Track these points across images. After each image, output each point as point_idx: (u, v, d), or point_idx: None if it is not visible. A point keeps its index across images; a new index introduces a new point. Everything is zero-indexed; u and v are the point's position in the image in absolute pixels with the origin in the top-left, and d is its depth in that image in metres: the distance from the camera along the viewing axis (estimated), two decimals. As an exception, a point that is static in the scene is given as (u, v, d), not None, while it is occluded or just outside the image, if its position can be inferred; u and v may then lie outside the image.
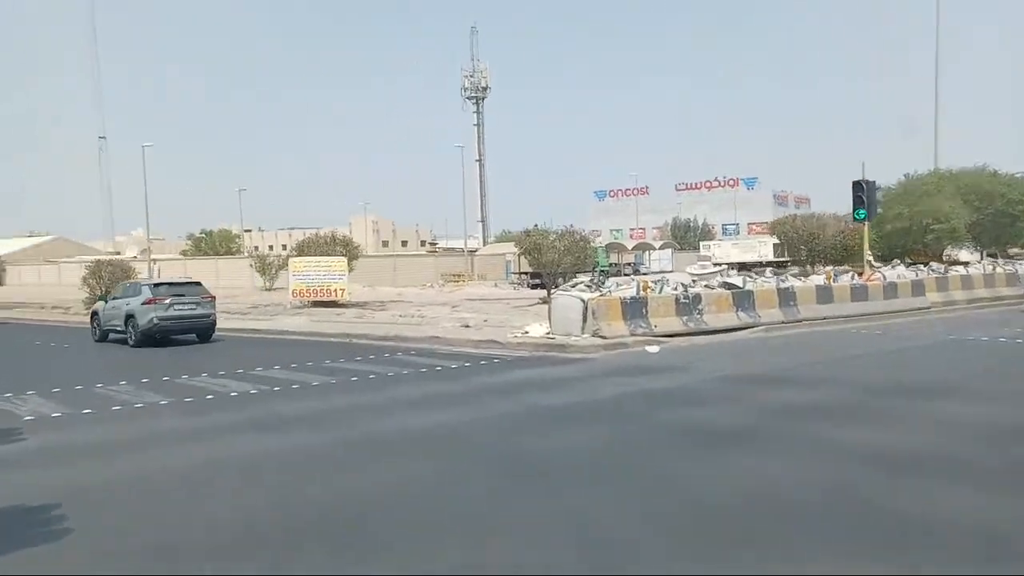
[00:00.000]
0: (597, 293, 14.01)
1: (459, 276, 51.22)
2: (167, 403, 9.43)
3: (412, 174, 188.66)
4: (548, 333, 14.18)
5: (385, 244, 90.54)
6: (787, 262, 46.79)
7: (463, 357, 13.14)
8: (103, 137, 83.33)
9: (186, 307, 17.00)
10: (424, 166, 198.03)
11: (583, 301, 13.64)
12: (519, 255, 55.93)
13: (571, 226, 24.34)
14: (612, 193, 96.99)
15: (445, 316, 20.30)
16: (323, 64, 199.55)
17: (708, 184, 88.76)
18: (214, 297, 18.36)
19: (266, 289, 44.98)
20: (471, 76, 70.69)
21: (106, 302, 18.71)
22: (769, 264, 47.46)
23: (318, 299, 25.19)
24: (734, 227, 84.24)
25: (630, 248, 60.77)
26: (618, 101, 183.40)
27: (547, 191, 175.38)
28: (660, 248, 64.70)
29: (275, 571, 4.18)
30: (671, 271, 60.70)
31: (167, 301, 16.71)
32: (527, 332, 14.70)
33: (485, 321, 17.99)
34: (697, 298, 14.77)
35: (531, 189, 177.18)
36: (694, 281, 20.27)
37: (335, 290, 25.19)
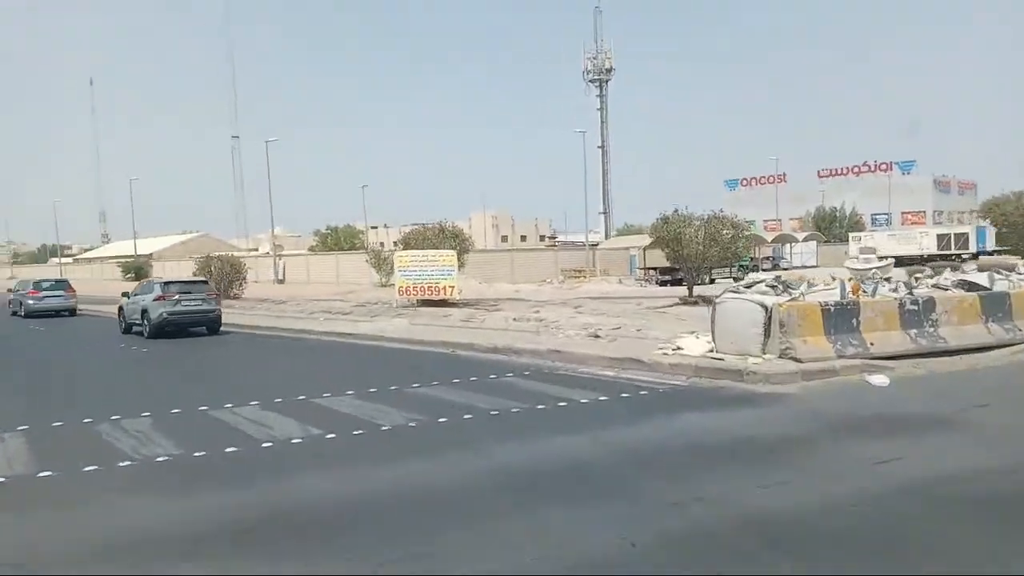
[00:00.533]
0: (785, 297, 9.80)
1: (579, 272, 47.41)
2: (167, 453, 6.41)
3: (532, 165, 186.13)
4: (711, 351, 10.16)
5: (504, 239, 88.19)
6: (956, 256, 39.58)
7: (595, 384, 9.41)
8: (236, 136, 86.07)
9: (192, 303, 18.33)
10: (544, 156, 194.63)
11: (765, 308, 9.51)
12: (643, 249, 51.47)
13: (720, 211, 19.89)
14: (744, 181, 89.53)
15: (567, 319, 16.64)
16: (444, 62, 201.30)
17: (856, 169, 79.73)
18: (218, 294, 20.41)
19: (382, 285, 43.21)
20: (594, 58, 66.33)
21: (129, 299, 20.03)
22: (932, 258, 40.37)
23: (425, 297, 22.24)
24: (885, 217, 74.98)
25: (769, 240, 54.48)
26: (747, 82, 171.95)
27: (672, 181, 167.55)
28: (804, 240, 57.85)
29: None
30: (814, 266, 53.94)
31: (175, 297, 18.08)
32: (679, 348, 10.74)
33: (617, 329, 14.14)
34: (930, 304, 10.19)
35: (654, 179, 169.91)
36: (884, 278, 15.35)
37: (443, 287, 22.14)
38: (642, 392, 8.77)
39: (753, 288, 10.16)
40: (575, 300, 25.59)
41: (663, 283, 36.19)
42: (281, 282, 55.25)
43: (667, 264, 38.47)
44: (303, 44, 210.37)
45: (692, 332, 11.93)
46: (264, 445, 6.75)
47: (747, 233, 22.22)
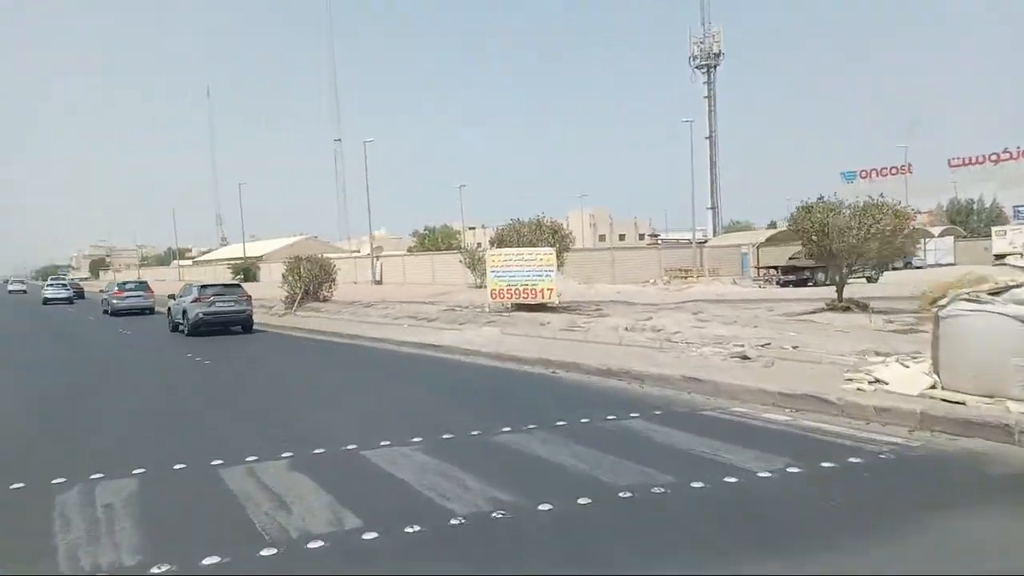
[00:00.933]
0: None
1: (686, 272, 43.50)
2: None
3: (632, 161, 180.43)
4: (935, 387, 6.86)
5: (602, 239, 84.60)
6: None
7: (767, 438, 6.34)
8: (339, 140, 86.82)
9: (225, 304, 19.65)
10: (645, 151, 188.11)
11: (1034, 327, 6.13)
12: (757, 247, 46.87)
13: (880, 196, 16.03)
14: (863, 173, 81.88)
15: (690, 329, 13.49)
16: (540, 55, 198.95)
17: (994, 157, 71.04)
18: (250, 296, 21.06)
19: (477, 286, 41.03)
20: (701, 42, 61.69)
21: (175, 300, 21.46)
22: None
23: (520, 301, 19.56)
24: (1029, 208, 66.17)
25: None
26: (862, 67, 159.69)
27: (779, 175, 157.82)
28: (940, 235, 51.32)
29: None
30: (950, 263, 47.46)
31: (210, 299, 19.47)
32: (879, 381, 7.46)
33: (766, 346, 10.88)
34: None
35: (759, 173, 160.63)
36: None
37: (541, 290, 19.38)
38: (852, 460, 5.60)
39: (1006, 296, 6.76)
40: (689, 304, 22.23)
41: (784, 284, 31.97)
42: (379, 283, 54.33)
43: (788, 262, 34.30)
44: (403, 45, 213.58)
45: (888, 355, 8.57)
46: (263, 553, 4.16)
47: (914, 225, 18.11)
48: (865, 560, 3.85)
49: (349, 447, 6.53)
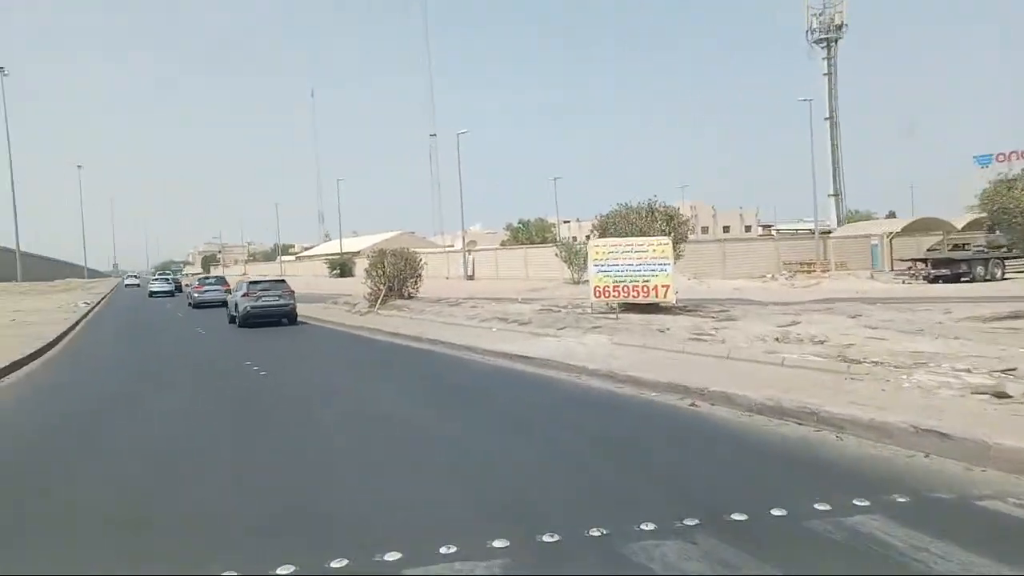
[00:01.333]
0: None
1: (809, 265, 38.85)
2: None
3: (732, 150, 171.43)
4: None
5: (704, 231, 79.57)
6: None
7: None
8: (434, 135, 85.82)
9: (271, 299, 21.19)
10: (745, 140, 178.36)
11: None
12: (889, 237, 41.44)
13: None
14: (1001, 157, 72.61)
15: (864, 340, 10.10)
16: (632, 39, 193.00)
17: None
18: (294, 291, 22.42)
19: (574, 282, 38.10)
20: (819, 14, 55.76)
21: (231, 295, 23.40)
22: None
23: (629, 300, 16.51)
24: None
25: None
26: (988, 41, 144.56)
27: (902, 159, 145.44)
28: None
29: None
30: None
31: (257, 295, 21.09)
32: None
33: (1010, 372, 7.42)
34: None
35: (873, 158, 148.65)
36: None
37: (654, 287, 16.25)
38: None
39: None
40: (828, 303, 18.49)
41: (935, 279, 27.15)
42: (471, 278, 52.42)
43: (927, 254, 29.28)
44: (497, 33, 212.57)
45: None
46: None
47: None
48: None
49: (387, 557, 3.84)
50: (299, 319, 24.10)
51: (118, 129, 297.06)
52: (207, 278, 36.00)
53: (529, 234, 75.57)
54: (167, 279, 53.64)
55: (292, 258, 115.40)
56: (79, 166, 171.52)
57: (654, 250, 16.36)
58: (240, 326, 20.85)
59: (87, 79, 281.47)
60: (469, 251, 55.60)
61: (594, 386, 8.97)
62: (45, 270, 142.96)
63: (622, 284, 16.58)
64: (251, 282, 22.45)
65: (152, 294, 47.04)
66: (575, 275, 37.94)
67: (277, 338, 18.39)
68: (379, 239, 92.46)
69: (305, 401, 9.22)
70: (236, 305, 21.64)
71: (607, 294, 16.85)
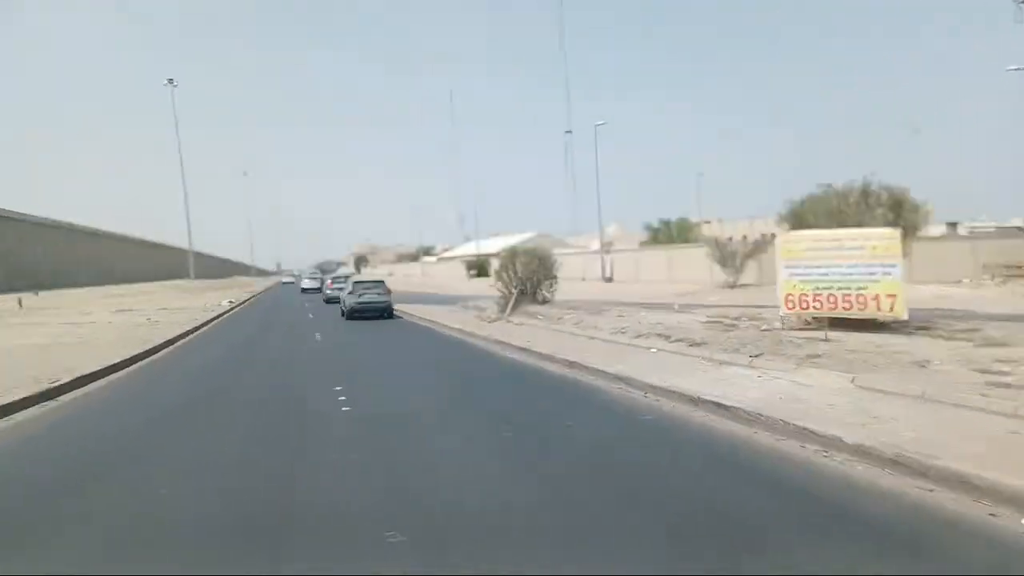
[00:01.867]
0: None
1: (1020, 267, 31.26)
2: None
3: (894, 144, 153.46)
4: None
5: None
6: None
7: None
8: (569, 132, 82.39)
9: (371, 296, 24.09)
10: (940, 118, 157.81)
11: None
12: None
13: None
14: None
15: None
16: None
17: None
18: (391, 291, 25.38)
19: (729, 286, 33.12)
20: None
21: (343, 293, 26.37)
22: None
23: (839, 313, 12.00)
24: None
25: None
26: None
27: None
28: None
29: None
30: None
31: (360, 292, 24.20)
32: None
33: None
34: None
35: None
36: None
37: (875, 297, 11.65)
38: None
39: None
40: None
41: None
42: (609, 280, 48.41)
43: None
44: (637, 30, 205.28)
45: None
46: None
47: None
48: None
49: None
50: (423, 324, 21.49)
51: (282, 133, 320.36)
52: (337, 277, 40.12)
53: (670, 234, 70.19)
54: (316, 277, 58.13)
55: (434, 259, 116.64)
56: (245, 172, 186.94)
57: (875, 247, 11.73)
58: (347, 319, 23.36)
59: (248, 90, 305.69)
60: (607, 251, 51.55)
61: (864, 481, 4.89)
62: (218, 269, 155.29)
63: (827, 292, 12.09)
64: (356, 282, 25.87)
65: (303, 290, 52.17)
66: (730, 278, 32.92)
67: (386, 348, 15.68)
68: (515, 240, 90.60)
69: (362, 474, 5.87)
70: (344, 301, 24.97)
71: (804, 305, 12.41)
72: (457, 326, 19.29)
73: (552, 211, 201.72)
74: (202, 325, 23.43)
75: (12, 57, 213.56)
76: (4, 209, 68.68)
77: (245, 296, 47.42)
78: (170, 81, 76.22)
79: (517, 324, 18.33)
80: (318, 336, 18.63)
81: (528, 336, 15.17)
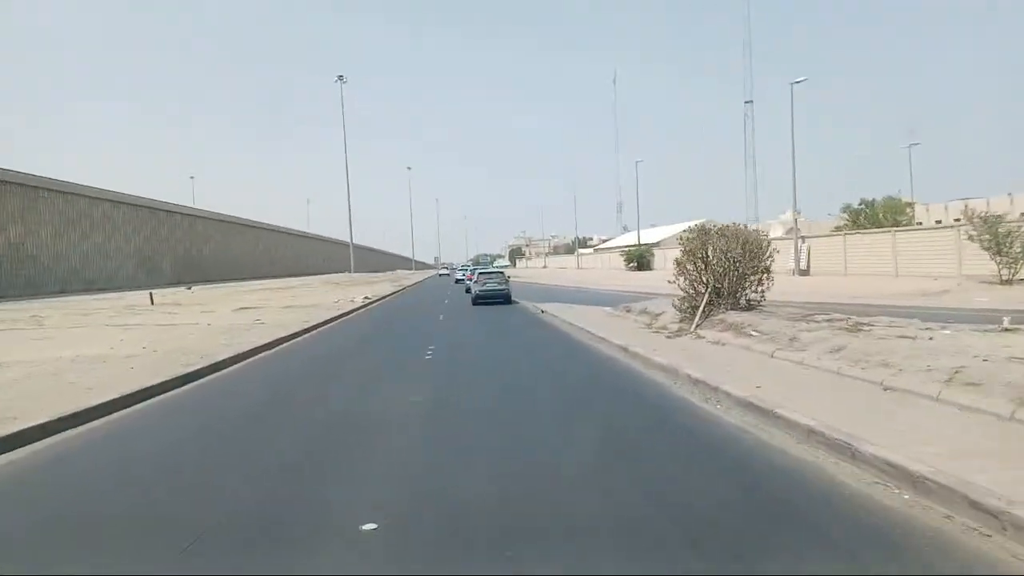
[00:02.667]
0: None
1: None
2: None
3: None
4: None
5: None
6: None
7: None
8: (749, 101, 72.19)
9: (491, 285, 28.70)
10: None
11: None
12: None
13: None
14: None
15: None
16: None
17: None
18: (508, 278, 31.18)
19: (1002, 281, 23.70)
20: None
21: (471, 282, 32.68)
22: None
23: None
24: None
25: None
26: None
27: None
28: None
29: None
30: None
31: (484, 281, 29.20)
32: None
33: None
34: None
35: None
36: None
37: None
38: None
39: None
40: None
41: None
42: (804, 273, 39.48)
43: None
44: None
45: None
46: None
47: None
48: None
49: None
50: (570, 334, 15.47)
51: (442, 128, 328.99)
52: (475, 269, 44.30)
53: (875, 216, 58.33)
54: (467, 269, 60.75)
55: (590, 251, 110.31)
56: (408, 167, 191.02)
57: None
58: (474, 304, 27.28)
59: (409, 85, 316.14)
60: (802, 238, 42.36)
61: None
62: (379, 262, 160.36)
63: None
64: (480, 272, 31.56)
65: (457, 281, 56.37)
66: (1005, 270, 23.48)
67: (516, 384, 9.74)
68: (679, 229, 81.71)
69: None
70: (470, 289, 30.14)
71: None
72: (618, 341, 13.01)
73: (720, 198, 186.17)
74: (310, 328, 19.19)
75: (195, 59, 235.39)
76: (179, 205, 72.29)
77: (389, 291, 44.27)
78: (340, 78, 76.43)
79: (715, 344, 11.69)
80: (429, 352, 13.32)
81: (749, 374, 8.56)
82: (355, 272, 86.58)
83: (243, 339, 15.33)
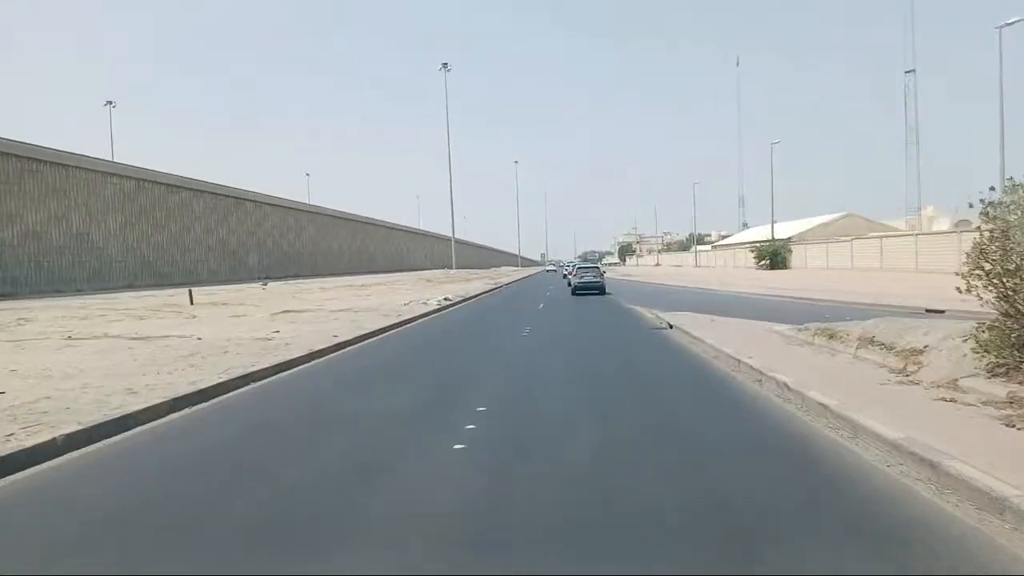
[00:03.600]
0: None
1: None
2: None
3: None
4: None
5: None
6: None
7: None
8: (911, 71, 60.37)
9: (588, 277, 32.83)
10: None
11: None
12: None
13: None
14: None
15: None
16: None
17: None
18: (603, 272, 37.54)
19: None
20: None
21: (570, 275, 38.15)
22: None
23: None
24: None
25: None
26: None
27: None
28: None
29: None
30: None
31: (581, 274, 33.50)
32: None
33: None
34: None
35: None
36: None
37: None
38: None
39: None
40: None
41: None
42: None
43: None
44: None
45: None
46: None
47: None
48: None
49: None
50: (745, 389, 7.85)
51: (550, 124, 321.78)
52: (576, 265, 44.27)
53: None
54: (571, 266, 61.12)
55: (707, 248, 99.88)
56: (516, 161, 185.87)
57: None
58: (573, 295, 31.20)
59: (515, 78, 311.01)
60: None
61: None
62: (484, 258, 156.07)
63: None
64: (578, 268, 36.89)
65: (564, 276, 55.29)
66: None
67: None
68: (814, 223, 70.17)
69: None
70: (570, 281, 35.45)
71: None
72: (838, 406, 5.50)
73: (859, 188, 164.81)
74: (344, 344, 13.09)
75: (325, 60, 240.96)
76: (274, 197, 69.75)
77: (478, 290, 37.95)
78: (444, 65, 71.52)
79: None
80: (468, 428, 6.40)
81: None
82: (456, 269, 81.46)
83: (246, 358, 9.07)
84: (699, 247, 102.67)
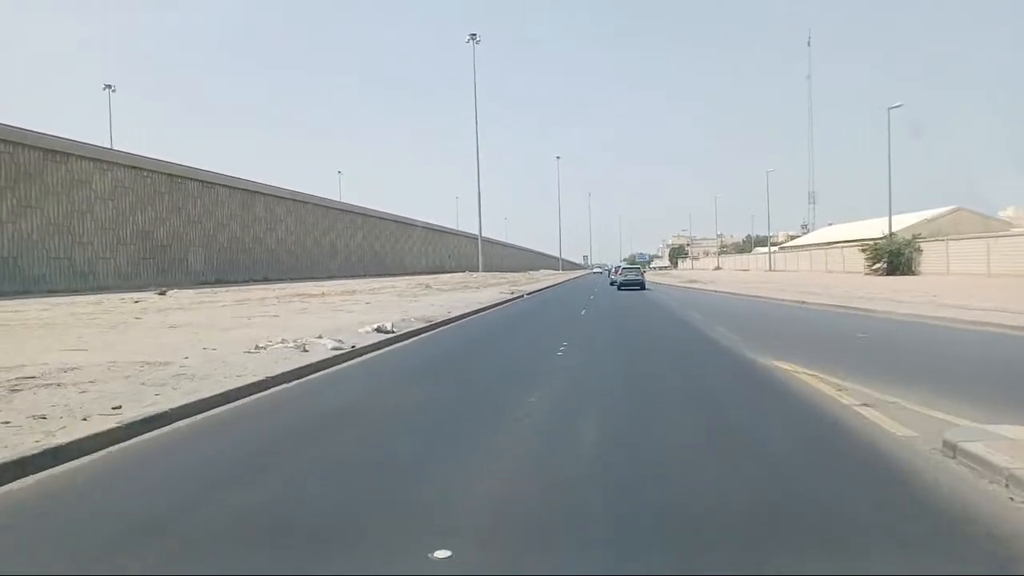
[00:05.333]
0: None
1: None
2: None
3: None
4: None
5: None
6: None
7: None
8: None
9: (630, 275, 38.29)
10: None
11: None
12: None
13: None
14: None
15: None
16: None
17: None
18: (644, 272, 45.08)
19: None
20: None
21: (610, 274, 46.76)
22: None
23: None
24: None
25: None
26: None
27: None
28: None
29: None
30: None
31: (624, 272, 40.22)
32: None
33: None
34: None
35: None
36: None
37: None
38: None
39: None
40: None
41: None
42: None
43: None
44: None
45: None
46: None
47: None
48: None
49: None
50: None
51: (594, 123, 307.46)
52: (624, 267, 48.06)
53: None
54: (618, 268, 58.89)
55: (776, 249, 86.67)
56: (557, 157, 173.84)
57: None
58: (618, 290, 34.92)
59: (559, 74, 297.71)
60: None
61: None
62: (519, 260, 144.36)
63: None
64: (622, 268, 44.77)
65: (611, 283, 52.57)
66: None
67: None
68: (916, 219, 56.80)
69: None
70: (614, 280, 40.95)
71: None
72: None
73: (959, 177, 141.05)
74: None
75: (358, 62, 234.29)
76: (286, 189, 60.27)
77: (481, 304, 26.75)
78: (472, 36, 60.73)
79: None
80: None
81: None
82: (482, 272, 70.25)
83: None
84: (759, 249, 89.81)
